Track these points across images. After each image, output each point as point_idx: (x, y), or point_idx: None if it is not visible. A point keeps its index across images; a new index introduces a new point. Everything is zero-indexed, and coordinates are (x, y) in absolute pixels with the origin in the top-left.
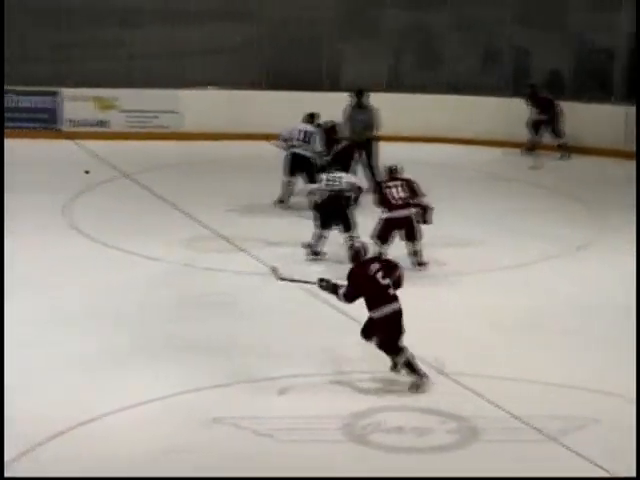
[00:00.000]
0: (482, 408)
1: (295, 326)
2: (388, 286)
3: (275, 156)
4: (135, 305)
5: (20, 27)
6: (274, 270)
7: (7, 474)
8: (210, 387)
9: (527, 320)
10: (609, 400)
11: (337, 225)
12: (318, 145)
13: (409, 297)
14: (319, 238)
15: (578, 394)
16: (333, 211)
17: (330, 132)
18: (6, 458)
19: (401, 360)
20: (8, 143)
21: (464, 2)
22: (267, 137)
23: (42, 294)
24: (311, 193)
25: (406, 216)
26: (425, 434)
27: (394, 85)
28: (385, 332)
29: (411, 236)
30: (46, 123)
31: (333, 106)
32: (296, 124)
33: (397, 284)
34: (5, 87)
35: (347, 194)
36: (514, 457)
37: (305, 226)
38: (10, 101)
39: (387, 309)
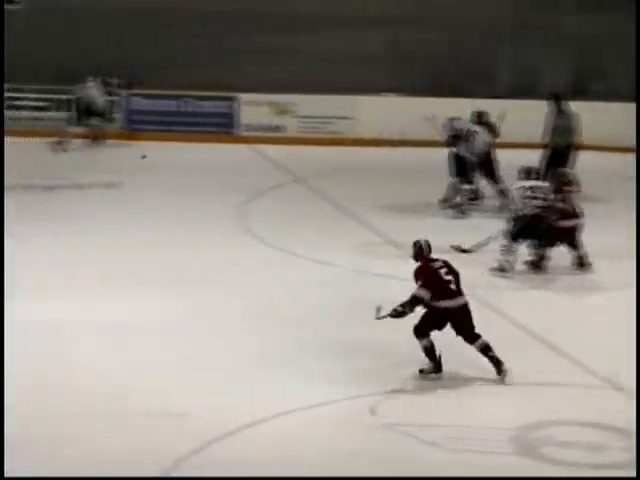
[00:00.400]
0: None
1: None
2: (450, 281)
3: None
4: (307, 308)
5: (202, 33)
6: (378, 310)
7: (176, 473)
8: (378, 393)
9: None
10: None
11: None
12: (479, 144)
13: (582, 306)
14: (509, 252)
15: None
16: (533, 227)
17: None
18: (177, 455)
19: (422, 345)
20: (186, 147)
21: None
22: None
23: (216, 294)
24: (509, 203)
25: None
26: (598, 450)
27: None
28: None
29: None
30: (223, 127)
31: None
32: (462, 122)
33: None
34: (185, 92)
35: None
36: None
37: (477, 232)
38: (190, 106)
39: (450, 303)
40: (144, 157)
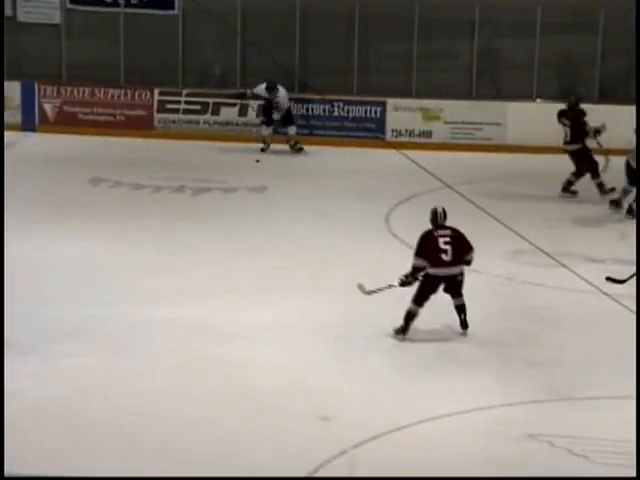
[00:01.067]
0: None
1: (615, 343)
2: (445, 251)
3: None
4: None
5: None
6: (360, 287)
7: (319, 474)
8: (527, 402)
9: None
10: None
11: None
12: None
13: None
14: None
15: None
16: None
17: None
18: (320, 459)
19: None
20: (338, 151)
21: None
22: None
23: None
24: None
25: None
26: None
27: None
28: (422, 287)
29: None
30: (373, 132)
31: None
32: None
33: (466, 261)
34: (336, 97)
35: None
36: None
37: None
38: (340, 110)
39: (441, 271)
40: (258, 162)
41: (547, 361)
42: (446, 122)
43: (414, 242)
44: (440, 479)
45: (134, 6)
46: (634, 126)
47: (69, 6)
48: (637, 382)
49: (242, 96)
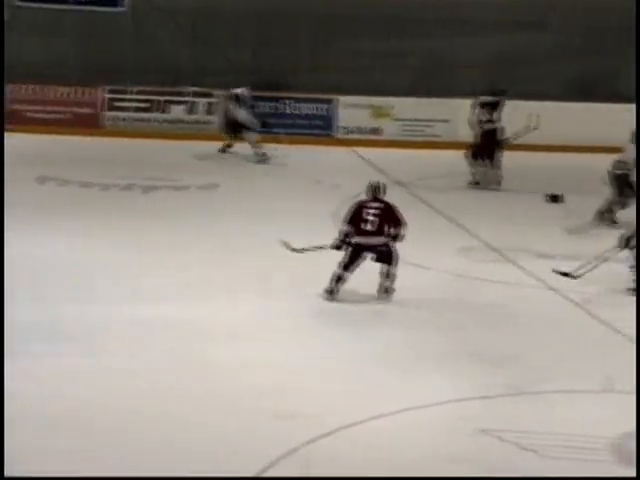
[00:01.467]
0: None
1: (561, 338)
2: (367, 221)
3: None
4: (409, 310)
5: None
6: (285, 244)
7: (272, 473)
8: (480, 397)
9: None
10: None
11: None
12: None
13: None
14: None
15: None
16: None
17: None
18: (272, 456)
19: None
20: (289, 149)
21: None
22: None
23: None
24: None
25: None
26: None
27: None
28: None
29: None
30: (322, 130)
31: None
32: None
33: (392, 235)
34: (287, 94)
35: None
36: None
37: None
38: (290, 108)
39: (362, 240)
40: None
41: (500, 356)
42: (396, 119)
43: None
44: (442, 479)
45: (82, 3)
46: (629, 135)
47: (17, 3)
48: (637, 382)
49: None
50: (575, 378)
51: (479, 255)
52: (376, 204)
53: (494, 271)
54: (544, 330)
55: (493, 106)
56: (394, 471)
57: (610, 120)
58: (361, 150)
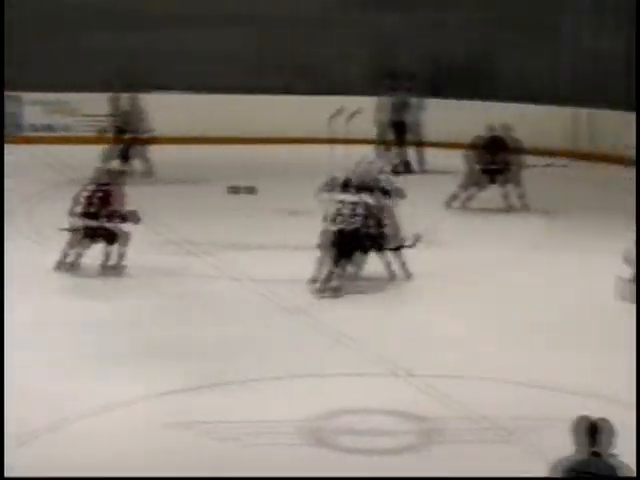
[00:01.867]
0: (450, 408)
1: (258, 329)
2: (82, 204)
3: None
4: (101, 313)
5: None
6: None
7: None
8: (174, 391)
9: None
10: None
11: None
12: None
13: None
14: None
15: (547, 394)
16: None
17: None
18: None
19: None
20: None
21: None
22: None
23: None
24: None
25: None
26: (386, 435)
27: None
28: None
29: None
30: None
31: None
32: None
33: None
34: None
35: None
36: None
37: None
38: None
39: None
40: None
41: (193, 348)
42: (84, 115)
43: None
44: (436, 479)
45: None
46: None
47: None
48: (637, 382)
49: None
50: (270, 364)
51: (175, 248)
52: (99, 187)
53: (186, 264)
54: (241, 320)
55: None
56: (93, 471)
57: None
58: (50, 147)
